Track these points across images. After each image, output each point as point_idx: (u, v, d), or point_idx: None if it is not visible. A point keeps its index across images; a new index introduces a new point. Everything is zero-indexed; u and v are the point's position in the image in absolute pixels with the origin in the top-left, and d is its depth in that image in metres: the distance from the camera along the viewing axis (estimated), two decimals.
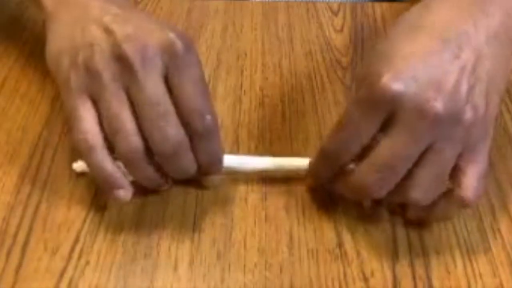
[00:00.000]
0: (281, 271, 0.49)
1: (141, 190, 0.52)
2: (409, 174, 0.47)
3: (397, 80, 0.45)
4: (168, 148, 0.48)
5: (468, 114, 0.46)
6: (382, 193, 0.48)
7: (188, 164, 0.50)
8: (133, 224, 0.52)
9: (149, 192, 0.53)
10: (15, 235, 0.51)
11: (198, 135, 0.49)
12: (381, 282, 0.49)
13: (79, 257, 0.50)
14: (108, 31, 0.49)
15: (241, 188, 0.55)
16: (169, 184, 0.53)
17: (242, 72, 0.66)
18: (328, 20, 0.74)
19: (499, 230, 0.52)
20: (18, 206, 0.53)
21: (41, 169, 0.56)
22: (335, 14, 0.75)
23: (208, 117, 0.49)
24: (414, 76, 0.45)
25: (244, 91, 0.64)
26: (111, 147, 0.49)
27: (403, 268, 0.50)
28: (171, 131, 0.48)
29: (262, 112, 0.62)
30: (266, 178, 0.56)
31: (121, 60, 0.48)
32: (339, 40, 0.71)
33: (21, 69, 0.65)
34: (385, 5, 0.76)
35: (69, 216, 0.52)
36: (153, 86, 0.47)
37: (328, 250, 0.51)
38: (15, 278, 0.48)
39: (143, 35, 0.48)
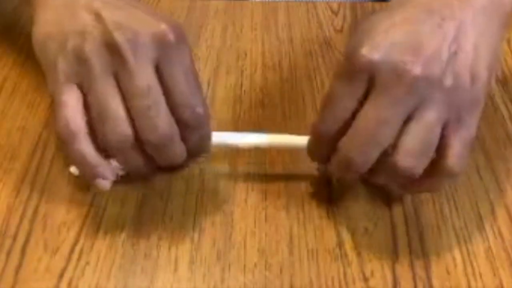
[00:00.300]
0: (281, 271, 0.49)
1: (128, 179, 0.52)
2: (395, 144, 0.47)
3: (375, 49, 0.46)
4: (157, 138, 0.48)
5: (448, 80, 0.46)
6: (366, 165, 0.47)
7: (177, 153, 0.50)
8: (133, 224, 0.52)
9: (136, 181, 0.53)
10: (15, 236, 0.51)
11: (188, 126, 0.49)
12: (381, 282, 0.49)
13: (79, 257, 0.50)
14: (98, 17, 0.48)
15: (241, 188, 0.55)
16: (157, 174, 0.52)
17: (242, 72, 0.66)
18: (328, 20, 0.74)
19: (499, 230, 0.52)
20: (18, 206, 0.53)
21: (41, 170, 0.56)
22: (335, 14, 0.75)
23: (199, 109, 0.49)
24: (392, 43, 0.46)
25: (244, 91, 0.64)
26: (96, 138, 0.48)
27: (403, 268, 0.50)
28: (161, 121, 0.47)
29: (262, 112, 0.62)
30: (266, 178, 0.56)
31: (112, 48, 0.47)
32: (339, 40, 0.71)
33: (21, 70, 0.65)
34: (385, 5, 0.76)
35: (69, 216, 0.52)
36: (144, 76, 0.47)
37: (328, 250, 0.51)
38: (15, 278, 0.48)
39: (135, 24, 0.48)
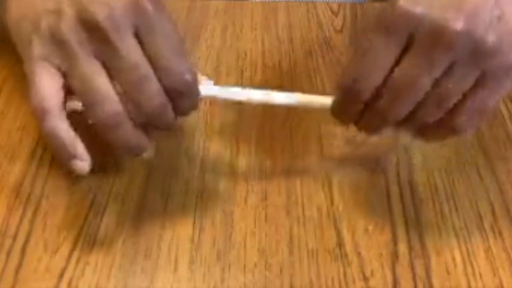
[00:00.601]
0: (281, 271, 0.49)
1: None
2: (426, 94, 0.46)
3: (416, 3, 0.45)
4: (151, 110, 0.47)
5: (491, 38, 0.45)
6: (399, 118, 0.48)
7: (169, 121, 0.49)
8: (133, 224, 0.52)
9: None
10: (15, 235, 0.51)
11: (177, 93, 0.48)
12: (381, 282, 0.49)
13: (79, 257, 0.50)
14: None
15: (241, 188, 0.55)
16: (151, 149, 0.51)
17: (242, 72, 0.66)
18: (328, 20, 0.74)
19: (499, 230, 0.52)
20: (18, 206, 0.53)
21: (41, 169, 0.56)
22: (335, 14, 0.75)
23: (187, 76, 0.47)
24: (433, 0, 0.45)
25: None
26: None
27: (403, 268, 0.50)
28: (153, 93, 0.47)
29: (262, 112, 0.62)
30: (266, 178, 0.56)
31: (90, 26, 0.46)
32: (339, 40, 0.71)
33: (21, 70, 0.65)
34: (385, 5, 0.76)
35: (69, 216, 0.52)
36: (129, 49, 0.46)
37: (328, 250, 0.51)
38: (15, 278, 0.48)
39: None
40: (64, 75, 0.47)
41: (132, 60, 0.46)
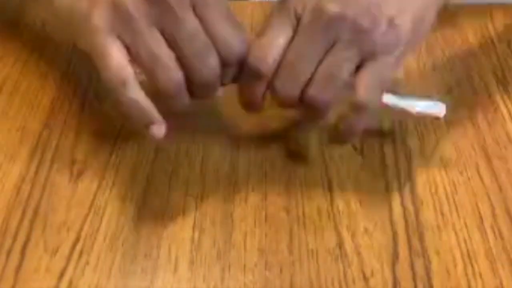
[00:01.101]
0: (281, 271, 0.49)
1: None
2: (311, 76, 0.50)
3: None
4: (209, 79, 0.49)
5: (365, 22, 0.49)
6: (292, 98, 0.51)
7: (217, 88, 0.51)
8: (133, 224, 0.52)
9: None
10: (15, 235, 0.51)
11: (231, 63, 0.50)
12: (381, 282, 0.49)
13: (79, 257, 0.50)
14: None
15: (241, 188, 0.55)
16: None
17: None
18: None
19: (499, 230, 0.52)
20: (18, 206, 0.53)
21: (41, 169, 0.56)
22: None
23: (242, 47, 0.50)
24: None
25: None
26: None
27: (403, 268, 0.50)
28: (215, 62, 0.49)
29: (262, 112, 0.62)
30: (266, 178, 0.56)
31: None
32: None
33: (21, 70, 0.65)
34: None
35: (69, 216, 0.52)
36: (190, 21, 0.48)
37: (328, 250, 0.51)
38: (15, 278, 0.48)
39: None
40: (127, 47, 0.48)
41: (194, 30, 0.48)
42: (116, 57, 0.48)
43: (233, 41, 0.49)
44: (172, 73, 0.48)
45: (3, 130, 0.59)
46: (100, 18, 0.48)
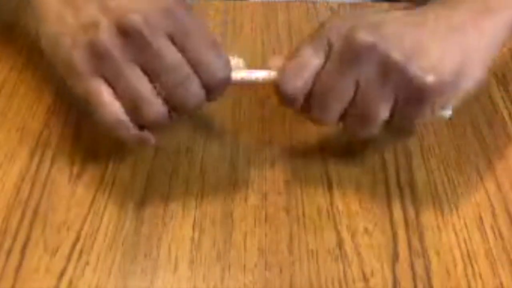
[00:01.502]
0: (281, 271, 0.49)
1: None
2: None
3: (341, 18, 0.51)
4: (195, 106, 0.49)
5: (397, 55, 0.48)
6: (333, 119, 0.51)
7: (202, 107, 0.51)
8: (133, 224, 0.52)
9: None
10: (15, 235, 0.51)
11: (215, 87, 0.50)
12: (381, 282, 0.49)
13: (79, 257, 0.50)
14: (103, 6, 0.48)
15: (241, 188, 0.55)
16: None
17: None
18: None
19: (499, 230, 0.52)
20: (18, 206, 0.53)
21: (41, 169, 0.56)
22: (335, 13, 0.75)
23: (225, 71, 0.50)
24: (357, 19, 0.50)
25: (244, 91, 0.64)
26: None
27: (403, 268, 0.50)
28: (197, 90, 0.49)
29: (262, 112, 0.62)
30: (266, 178, 0.56)
31: (129, 33, 0.47)
32: None
33: (21, 70, 0.65)
34: (385, 5, 0.76)
35: (69, 216, 0.52)
36: (168, 51, 0.48)
37: (328, 250, 0.51)
38: (15, 278, 0.48)
39: (141, 4, 0.48)
40: (108, 84, 0.48)
41: (173, 61, 0.48)
42: (103, 101, 0.48)
43: (216, 67, 0.49)
44: (155, 108, 0.48)
45: (3, 130, 0.59)
46: (81, 60, 0.48)
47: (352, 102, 0.50)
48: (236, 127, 0.60)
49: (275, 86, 0.51)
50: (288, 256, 0.50)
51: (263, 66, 0.53)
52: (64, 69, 0.50)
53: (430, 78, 0.48)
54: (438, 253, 0.51)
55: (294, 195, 0.55)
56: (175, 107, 0.49)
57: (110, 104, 0.48)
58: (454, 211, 0.54)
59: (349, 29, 0.49)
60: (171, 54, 0.48)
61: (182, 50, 0.48)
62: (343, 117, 0.51)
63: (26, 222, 0.52)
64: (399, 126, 0.51)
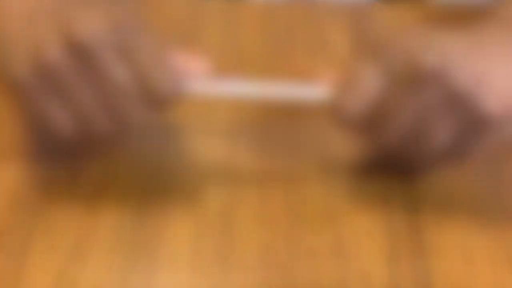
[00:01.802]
0: (281, 271, 0.49)
1: None
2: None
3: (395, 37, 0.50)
4: (137, 121, 0.49)
5: (464, 82, 0.47)
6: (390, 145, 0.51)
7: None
8: (133, 224, 0.52)
9: None
10: (15, 235, 0.51)
11: (161, 101, 0.50)
12: (381, 282, 0.49)
13: (79, 257, 0.50)
14: (57, 22, 0.48)
15: (241, 188, 0.55)
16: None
17: (241, 72, 0.66)
18: (328, 20, 0.74)
19: (499, 230, 0.53)
20: (18, 206, 0.53)
21: (41, 169, 0.56)
22: (335, 14, 0.75)
23: (171, 86, 0.49)
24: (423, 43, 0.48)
25: None
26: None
27: (403, 268, 0.50)
28: (140, 106, 0.49)
29: (262, 113, 0.62)
30: (266, 178, 0.56)
31: (76, 48, 0.47)
32: (339, 40, 0.71)
33: None
34: (385, 6, 0.76)
35: (69, 216, 0.52)
36: (114, 68, 0.48)
37: (328, 250, 0.51)
38: (15, 278, 0.48)
39: (91, 21, 0.48)
40: (55, 98, 0.49)
41: (118, 76, 0.48)
42: (50, 115, 0.49)
43: (161, 84, 0.49)
44: (101, 122, 0.49)
45: (3, 130, 0.59)
46: (28, 75, 0.48)
47: (412, 126, 0.49)
48: (236, 129, 0.60)
49: (332, 105, 0.51)
50: (288, 256, 0.50)
51: (276, 73, 0.53)
52: (12, 82, 0.50)
53: (496, 108, 0.47)
54: (438, 253, 0.51)
55: (294, 195, 0.55)
56: (120, 121, 0.49)
57: (56, 118, 0.49)
58: (454, 211, 0.54)
59: (414, 51, 0.47)
60: (117, 69, 0.48)
61: (128, 66, 0.48)
62: (398, 140, 0.50)
63: (26, 222, 0.52)
64: (458, 152, 0.50)
